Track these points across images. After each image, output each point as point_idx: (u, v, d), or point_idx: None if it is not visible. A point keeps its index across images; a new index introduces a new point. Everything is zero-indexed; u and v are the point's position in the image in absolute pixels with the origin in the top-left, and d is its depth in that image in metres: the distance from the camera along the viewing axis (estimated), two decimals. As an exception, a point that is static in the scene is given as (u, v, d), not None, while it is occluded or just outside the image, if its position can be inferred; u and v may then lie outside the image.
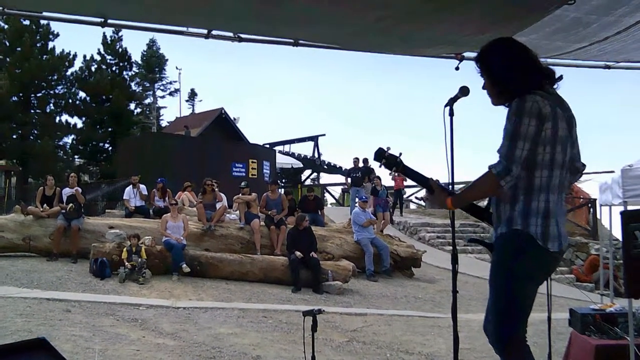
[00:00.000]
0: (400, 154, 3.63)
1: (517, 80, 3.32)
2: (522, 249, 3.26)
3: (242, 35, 5.11)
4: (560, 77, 3.45)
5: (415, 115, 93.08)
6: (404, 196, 31.39)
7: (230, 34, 5.09)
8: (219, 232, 13.61)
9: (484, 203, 3.73)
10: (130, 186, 16.19)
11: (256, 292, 11.43)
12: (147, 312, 9.24)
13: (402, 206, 24.99)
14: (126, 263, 11.18)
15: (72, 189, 13.37)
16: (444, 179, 3.93)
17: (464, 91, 3.60)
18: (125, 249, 11.41)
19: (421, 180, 3.86)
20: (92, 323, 8.23)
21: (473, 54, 5.18)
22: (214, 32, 4.96)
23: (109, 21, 4.66)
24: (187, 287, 11.23)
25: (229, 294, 11.12)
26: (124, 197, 16.30)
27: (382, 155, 3.86)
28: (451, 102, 3.62)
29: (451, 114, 3.59)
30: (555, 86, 3.43)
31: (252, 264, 12.37)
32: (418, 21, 4.57)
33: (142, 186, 16.26)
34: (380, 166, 3.90)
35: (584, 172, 3.57)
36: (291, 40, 5.29)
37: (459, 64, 3.53)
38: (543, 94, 3.26)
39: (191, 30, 4.99)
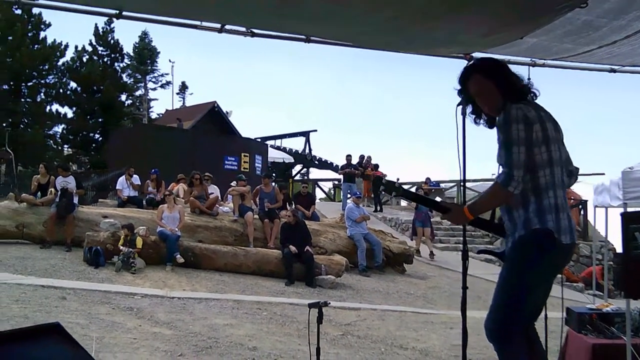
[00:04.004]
0: (398, 179, 3.78)
1: (517, 87, 3.53)
2: (543, 246, 3.35)
3: (255, 31, 5.12)
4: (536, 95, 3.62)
5: (411, 115, 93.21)
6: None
7: (243, 29, 5.10)
8: (213, 223, 13.62)
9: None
10: (124, 176, 16.20)
11: (250, 285, 11.46)
12: (142, 301, 9.26)
13: (381, 202, 25.10)
14: (122, 249, 11.19)
15: (65, 177, 13.29)
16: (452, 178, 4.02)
17: None
18: (122, 237, 11.42)
19: (426, 201, 3.97)
20: (87, 311, 8.25)
21: (482, 54, 5.25)
22: (227, 27, 4.98)
23: (124, 13, 4.65)
24: (180, 277, 11.24)
25: (222, 286, 11.14)
26: (117, 187, 16.31)
27: (380, 183, 3.96)
28: (464, 102, 3.63)
29: (464, 113, 3.60)
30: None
31: (246, 257, 12.40)
32: (430, 21, 4.59)
33: (135, 176, 16.28)
34: (380, 192, 4.02)
35: (577, 175, 3.69)
36: (303, 37, 5.30)
37: (467, 64, 3.58)
38: (525, 101, 3.46)
39: (205, 24, 4.99)
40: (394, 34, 5.07)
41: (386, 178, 4.61)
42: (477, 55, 5.29)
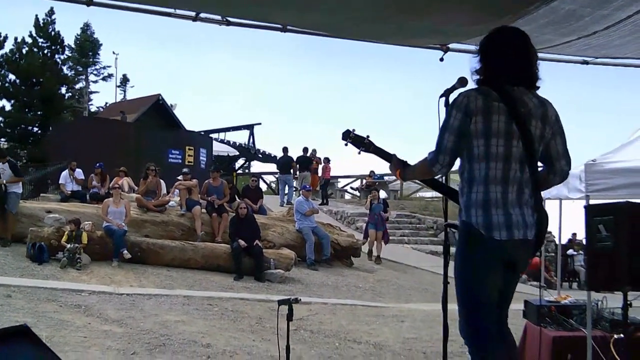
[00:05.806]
0: (368, 135, 3.65)
1: (491, 70, 3.35)
2: (467, 238, 3.31)
3: (231, 19, 5.00)
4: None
5: (358, 108, 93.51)
6: (339, 186, 31.86)
7: (219, 17, 4.97)
8: (160, 218, 13.42)
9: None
10: (67, 170, 15.86)
11: (198, 280, 11.36)
12: (90, 298, 9.07)
13: (327, 196, 25.65)
14: (67, 246, 10.92)
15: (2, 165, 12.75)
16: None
17: (462, 82, 3.51)
18: (66, 234, 11.14)
19: (388, 157, 3.93)
20: (34, 309, 8.05)
21: (459, 46, 5.22)
22: (202, 15, 4.85)
23: (95, 0, 4.50)
24: (127, 273, 11.04)
25: (170, 281, 11.00)
26: (60, 182, 15.93)
27: (347, 136, 3.94)
28: (447, 93, 3.54)
29: (447, 105, 3.48)
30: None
31: (194, 251, 12.27)
32: (414, 9, 4.49)
33: (78, 170, 15.96)
34: (346, 145, 3.92)
35: (562, 173, 3.48)
36: (279, 26, 5.19)
37: (443, 55, 3.44)
38: (485, 89, 3.29)
39: (179, 12, 4.85)
40: (376, 24, 4.97)
41: (355, 132, 4.61)
42: (454, 46, 5.27)
